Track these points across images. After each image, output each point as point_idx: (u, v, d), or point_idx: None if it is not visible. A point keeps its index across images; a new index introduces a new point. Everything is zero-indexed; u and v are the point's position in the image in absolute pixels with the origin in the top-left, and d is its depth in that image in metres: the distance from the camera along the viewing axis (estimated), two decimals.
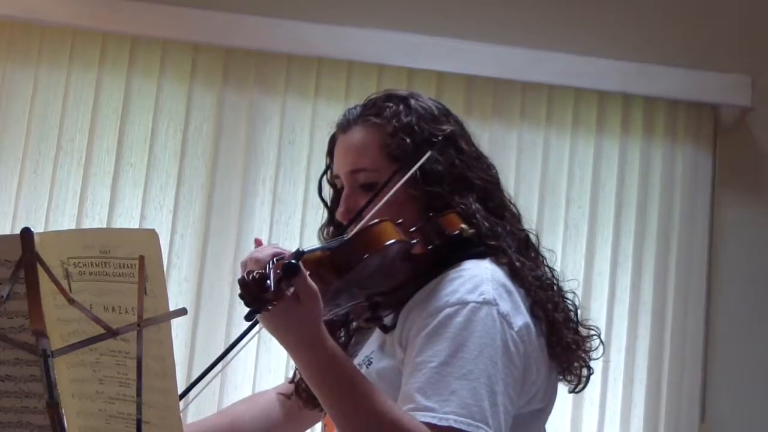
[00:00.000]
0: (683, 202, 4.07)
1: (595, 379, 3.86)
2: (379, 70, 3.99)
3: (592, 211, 4.05)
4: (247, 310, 1.69)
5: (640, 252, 4.04)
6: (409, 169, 1.98)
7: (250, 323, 1.75)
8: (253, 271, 1.68)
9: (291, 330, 1.77)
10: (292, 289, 1.71)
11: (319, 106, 3.96)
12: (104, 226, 3.82)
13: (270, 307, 1.67)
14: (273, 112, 3.99)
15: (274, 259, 1.71)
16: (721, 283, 4.08)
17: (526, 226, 2.13)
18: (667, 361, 3.98)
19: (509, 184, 3.94)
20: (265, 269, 1.67)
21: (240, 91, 3.99)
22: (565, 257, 4.00)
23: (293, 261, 1.69)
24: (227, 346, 1.99)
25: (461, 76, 4.02)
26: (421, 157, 1.99)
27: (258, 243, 1.89)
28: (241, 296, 1.67)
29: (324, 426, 2.09)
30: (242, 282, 1.67)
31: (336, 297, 1.90)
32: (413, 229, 1.98)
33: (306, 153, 3.94)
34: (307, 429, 2.37)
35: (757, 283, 4.10)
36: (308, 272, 1.78)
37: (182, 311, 1.65)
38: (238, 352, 1.96)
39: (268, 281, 1.65)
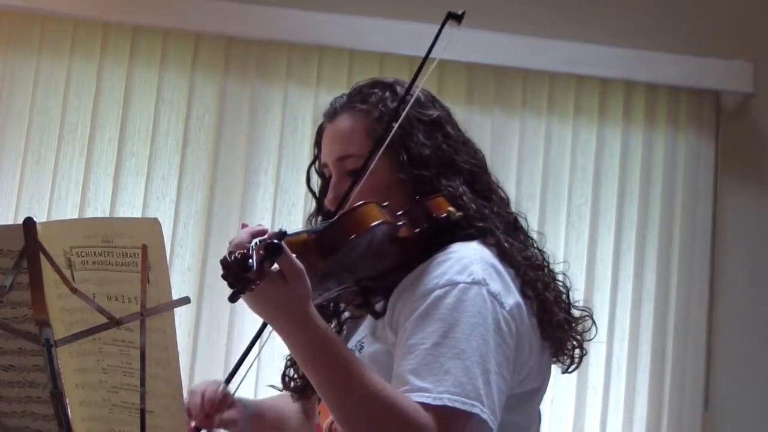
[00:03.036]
0: (686, 188, 4.07)
1: (599, 367, 3.88)
2: (380, 59, 3.99)
3: (595, 199, 4.05)
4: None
5: (642, 239, 4.04)
6: (382, 146, 1.99)
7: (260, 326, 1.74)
8: (235, 252, 1.67)
9: (279, 309, 1.76)
10: (275, 268, 1.70)
11: (321, 95, 3.95)
12: (107, 215, 3.82)
13: (253, 287, 1.67)
14: (275, 101, 3.99)
15: (257, 240, 1.71)
16: (724, 271, 4.07)
17: (517, 210, 2.13)
18: (670, 349, 3.98)
19: (512, 171, 3.96)
20: (248, 250, 1.67)
21: (242, 80, 3.99)
22: (568, 245, 4.00)
23: (275, 241, 1.68)
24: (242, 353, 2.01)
25: (463, 64, 4.01)
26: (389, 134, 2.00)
27: (244, 227, 1.89)
28: (224, 277, 1.66)
29: (319, 413, 2.09)
30: (224, 263, 1.66)
31: (324, 280, 1.90)
32: (400, 212, 1.98)
33: (308, 142, 3.93)
34: None
35: (759, 270, 4.10)
36: (294, 255, 1.78)
37: (185, 300, 1.65)
38: (256, 356, 1.98)
39: (251, 260, 1.64)
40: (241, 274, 1.64)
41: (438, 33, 2.09)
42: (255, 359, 1.93)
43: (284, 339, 1.81)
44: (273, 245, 1.67)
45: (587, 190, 4.06)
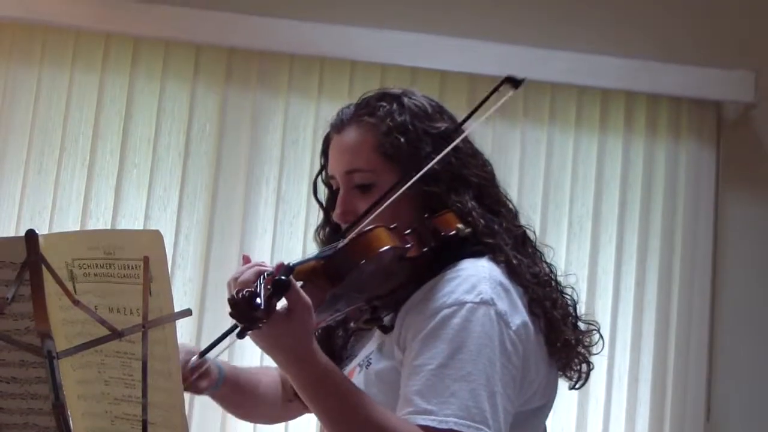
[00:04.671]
0: (687, 198, 4.07)
1: (600, 378, 3.87)
2: (382, 70, 3.99)
3: (596, 209, 4.05)
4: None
5: (644, 249, 4.04)
6: (413, 175, 1.98)
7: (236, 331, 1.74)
8: (243, 290, 1.67)
9: (282, 345, 1.78)
10: (282, 305, 1.70)
11: (323, 106, 3.96)
12: (108, 227, 3.82)
13: (261, 325, 1.67)
14: (276, 111, 3.99)
15: (264, 275, 1.71)
16: (726, 280, 4.07)
17: (523, 222, 2.12)
18: (672, 360, 3.97)
19: (513, 182, 3.96)
20: (255, 288, 1.67)
21: (243, 91, 3.99)
22: (570, 255, 4.00)
23: (283, 278, 1.68)
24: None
25: (464, 75, 4.01)
26: (425, 163, 1.98)
27: (246, 260, 1.88)
28: (232, 315, 1.66)
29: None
30: (232, 301, 1.66)
31: (334, 304, 1.90)
32: (408, 231, 1.97)
33: (309, 152, 3.94)
34: (297, 416, 2.40)
35: (761, 280, 4.09)
36: (302, 282, 1.78)
37: (187, 312, 1.65)
38: (218, 355, 1.98)
39: (258, 299, 1.64)
40: (250, 312, 1.64)
41: (492, 92, 2.03)
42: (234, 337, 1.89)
43: (285, 371, 1.83)
44: (280, 282, 1.68)
45: (588, 199, 4.06)
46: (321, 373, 1.80)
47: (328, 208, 2.17)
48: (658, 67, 4.06)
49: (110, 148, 3.92)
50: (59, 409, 1.63)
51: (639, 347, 3.98)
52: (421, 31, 3.99)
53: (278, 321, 1.71)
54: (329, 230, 2.17)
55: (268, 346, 1.79)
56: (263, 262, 1.84)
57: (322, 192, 2.20)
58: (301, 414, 2.37)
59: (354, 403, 1.81)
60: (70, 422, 1.68)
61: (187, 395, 1.75)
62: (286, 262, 1.77)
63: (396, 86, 2.19)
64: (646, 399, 3.96)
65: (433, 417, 1.79)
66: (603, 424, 3.92)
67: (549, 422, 2.10)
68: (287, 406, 2.32)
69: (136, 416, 1.67)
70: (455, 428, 1.78)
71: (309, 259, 1.90)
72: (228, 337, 1.89)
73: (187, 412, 1.79)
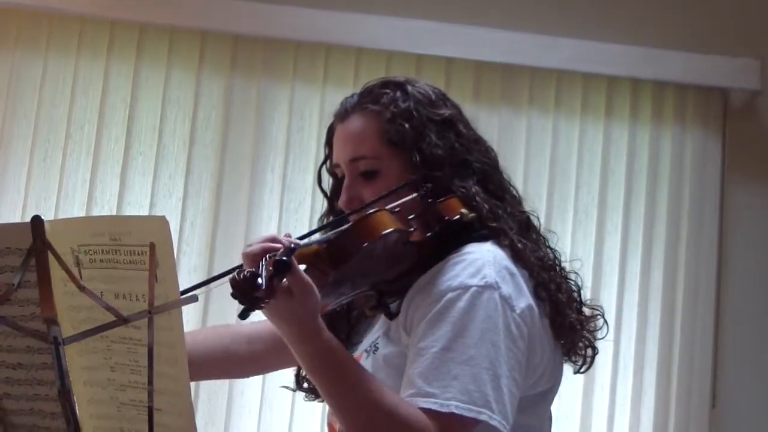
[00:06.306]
0: (693, 186, 4.06)
1: (606, 366, 3.87)
2: (387, 57, 3.99)
3: (602, 197, 4.04)
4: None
5: (649, 237, 4.04)
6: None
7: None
8: (244, 270, 1.67)
9: (286, 323, 1.80)
10: (285, 284, 1.71)
11: (328, 93, 3.95)
12: (114, 214, 3.82)
13: (263, 305, 1.67)
14: (281, 99, 3.99)
15: (267, 256, 1.71)
16: (731, 269, 4.07)
17: (527, 209, 2.13)
18: (678, 348, 3.97)
19: (518, 169, 3.95)
20: (257, 267, 1.67)
21: (248, 78, 3.99)
22: (575, 243, 4.00)
23: (284, 258, 1.68)
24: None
25: (470, 62, 4.01)
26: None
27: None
28: (233, 296, 1.67)
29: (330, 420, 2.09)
30: (233, 282, 1.67)
31: (338, 287, 1.90)
32: (412, 216, 1.97)
33: (315, 140, 3.94)
34: (265, 372, 2.42)
35: (767, 268, 4.09)
36: (305, 265, 1.79)
37: (193, 298, 1.65)
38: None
39: (260, 279, 1.64)
40: (251, 293, 1.65)
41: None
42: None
43: (291, 348, 1.84)
44: (282, 262, 1.68)
45: (594, 188, 4.05)
46: (325, 351, 1.81)
47: (332, 197, 2.18)
48: (663, 55, 4.05)
49: (115, 136, 3.92)
50: (65, 395, 1.63)
51: (644, 335, 3.98)
52: (427, 18, 3.98)
53: (280, 299, 1.72)
54: (333, 218, 2.17)
55: (271, 321, 1.81)
56: (274, 236, 1.84)
57: (327, 181, 2.21)
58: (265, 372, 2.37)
59: (358, 382, 1.82)
60: (76, 408, 1.68)
61: (192, 383, 1.75)
62: (292, 241, 1.77)
63: (399, 75, 2.20)
64: (651, 387, 3.95)
65: (434, 400, 1.80)
66: (608, 412, 3.92)
67: (555, 409, 2.10)
68: (248, 363, 2.30)
69: (142, 402, 1.67)
70: (456, 412, 1.78)
71: (312, 243, 1.90)
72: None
73: (192, 399, 1.79)
